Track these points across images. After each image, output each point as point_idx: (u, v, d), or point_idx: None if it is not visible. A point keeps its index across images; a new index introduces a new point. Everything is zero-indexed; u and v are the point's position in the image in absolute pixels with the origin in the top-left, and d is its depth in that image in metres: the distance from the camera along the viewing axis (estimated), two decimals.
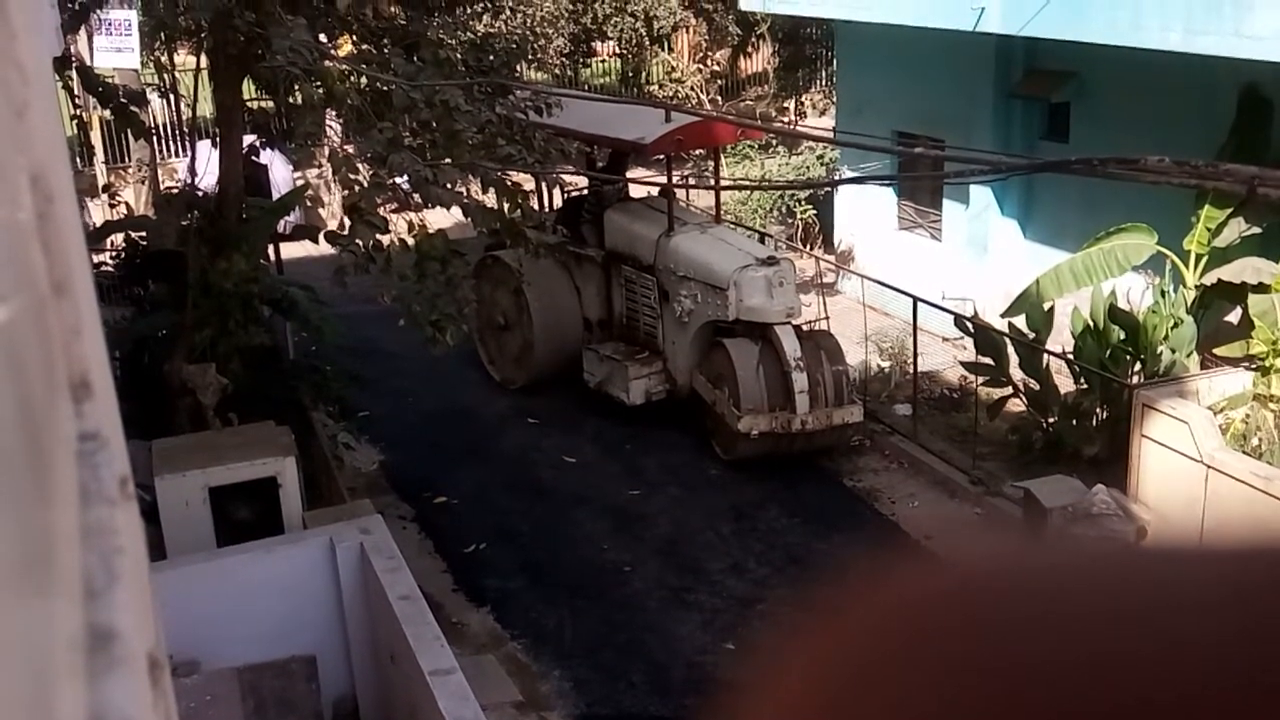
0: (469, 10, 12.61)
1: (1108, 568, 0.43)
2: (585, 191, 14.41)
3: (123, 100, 11.09)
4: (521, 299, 13.55)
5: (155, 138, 18.58)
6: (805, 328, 12.23)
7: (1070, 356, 11.39)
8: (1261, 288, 10.72)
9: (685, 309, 12.35)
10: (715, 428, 12.08)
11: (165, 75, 13.15)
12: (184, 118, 17.77)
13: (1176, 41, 10.48)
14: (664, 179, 13.72)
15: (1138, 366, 11.07)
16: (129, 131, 14.05)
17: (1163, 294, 11.12)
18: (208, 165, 11.15)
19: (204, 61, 10.45)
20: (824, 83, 24.55)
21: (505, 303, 13.88)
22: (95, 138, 17.06)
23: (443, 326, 8.95)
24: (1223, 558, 0.42)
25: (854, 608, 0.43)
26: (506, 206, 9.40)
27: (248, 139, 11.37)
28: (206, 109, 12.99)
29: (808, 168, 19.90)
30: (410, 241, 9.02)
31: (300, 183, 17.18)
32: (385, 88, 8.83)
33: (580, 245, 13.64)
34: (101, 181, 16.75)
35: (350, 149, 9.44)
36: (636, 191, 13.87)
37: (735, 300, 11.80)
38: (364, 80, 9.25)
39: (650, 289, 12.92)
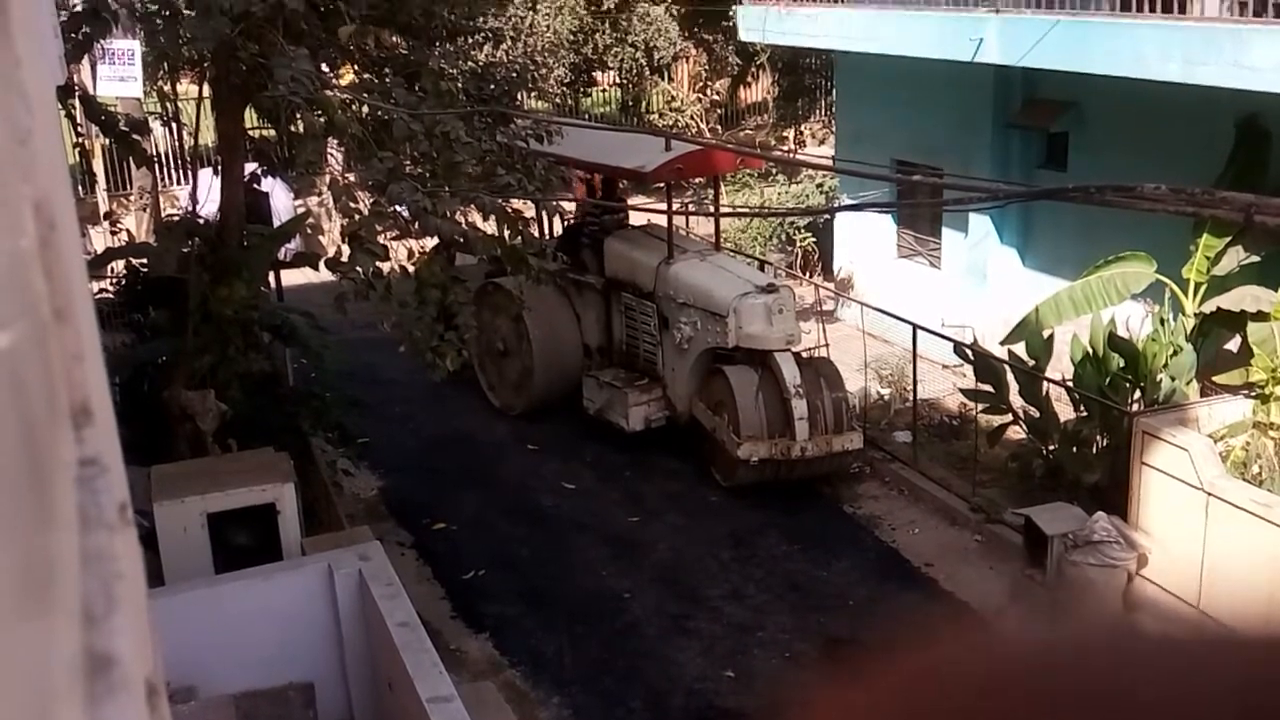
0: (470, 40, 12.66)
1: (1168, 654, 0.43)
2: (585, 218, 14.44)
3: (125, 128, 11.14)
4: (522, 325, 13.56)
5: (157, 165, 18.65)
6: (805, 355, 12.23)
7: (1070, 384, 11.39)
8: (1260, 315, 10.74)
9: (685, 336, 12.35)
10: (715, 454, 12.06)
11: (168, 104, 13.21)
12: (186, 146, 17.86)
13: (1175, 72, 10.53)
14: (663, 207, 13.75)
15: (1137, 394, 11.06)
16: (131, 159, 14.12)
17: (1162, 322, 11.13)
18: (209, 193, 11.19)
19: (206, 91, 10.50)
20: (823, 112, 24.66)
21: (505, 329, 13.88)
22: (97, 165, 17.10)
23: (443, 352, 8.96)
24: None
25: (904, 670, 0.43)
26: (507, 234, 9.42)
27: (249, 167, 11.41)
28: (208, 137, 13.05)
29: (807, 196, 19.97)
30: (410, 268, 9.04)
31: (301, 210, 17.26)
32: (386, 117, 8.86)
33: (580, 272, 13.66)
34: (103, 209, 16.80)
35: (351, 177, 9.46)
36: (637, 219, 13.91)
37: (735, 327, 11.80)
38: (365, 109, 9.29)
39: (650, 316, 12.93)
